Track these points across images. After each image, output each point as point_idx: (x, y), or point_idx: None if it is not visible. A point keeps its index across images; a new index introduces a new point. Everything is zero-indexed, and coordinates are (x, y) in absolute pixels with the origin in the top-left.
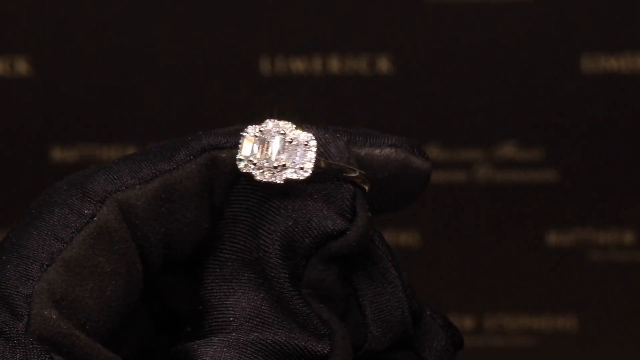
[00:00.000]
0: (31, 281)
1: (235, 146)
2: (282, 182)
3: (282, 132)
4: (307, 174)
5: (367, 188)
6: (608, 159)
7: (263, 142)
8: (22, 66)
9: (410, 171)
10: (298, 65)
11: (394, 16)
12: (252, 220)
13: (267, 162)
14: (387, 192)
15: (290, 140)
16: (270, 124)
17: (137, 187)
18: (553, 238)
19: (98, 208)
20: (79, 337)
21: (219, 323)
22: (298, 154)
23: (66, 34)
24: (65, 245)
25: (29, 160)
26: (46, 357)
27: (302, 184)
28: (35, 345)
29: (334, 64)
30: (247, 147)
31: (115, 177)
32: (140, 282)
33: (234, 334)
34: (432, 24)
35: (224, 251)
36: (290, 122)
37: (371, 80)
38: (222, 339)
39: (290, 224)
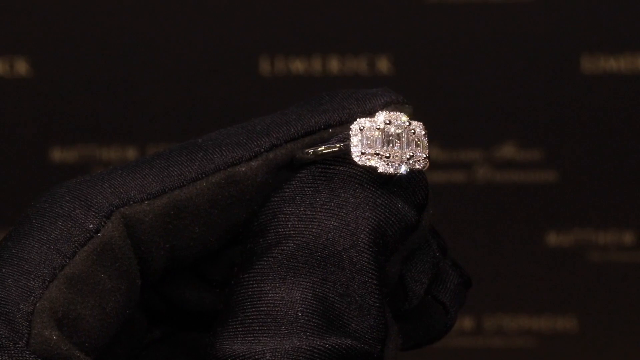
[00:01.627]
0: (32, 297)
1: (252, 158)
2: (405, 173)
3: (405, 124)
4: (428, 163)
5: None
6: (608, 159)
7: (387, 135)
8: (22, 66)
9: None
10: (297, 65)
11: (394, 16)
12: (337, 215)
13: (394, 154)
14: None
15: (412, 130)
16: (385, 115)
17: (145, 202)
18: (553, 238)
19: (103, 223)
20: (79, 357)
21: (288, 318)
22: (420, 144)
23: (66, 34)
24: (67, 260)
25: (29, 160)
26: None
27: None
28: None
29: (334, 64)
30: (364, 141)
31: (121, 190)
32: (137, 296)
33: (307, 340)
34: (432, 24)
35: (294, 245)
36: (401, 113)
37: (371, 81)
38: (293, 344)
39: (382, 218)
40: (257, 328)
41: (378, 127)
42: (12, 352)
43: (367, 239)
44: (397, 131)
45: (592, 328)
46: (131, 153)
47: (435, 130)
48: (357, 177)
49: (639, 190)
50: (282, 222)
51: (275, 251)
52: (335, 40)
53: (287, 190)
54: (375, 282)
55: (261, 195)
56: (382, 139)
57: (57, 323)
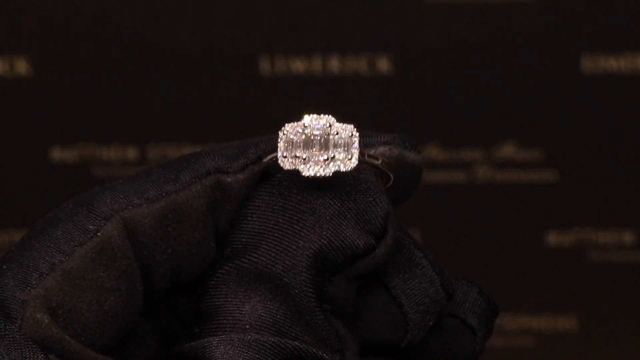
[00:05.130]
0: (29, 288)
1: (240, 171)
2: (331, 174)
3: (327, 125)
4: (354, 164)
5: (392, 176)
6: (608, 159)
7: (308, 137)
8: (22, 66)
9: (405, 166)
10: (298, 65)
11: (394, 16)
12: (282, 237)
13: (314, 156)
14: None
15: (336, 132)
16: (309, 119)
17: (144, 206)
18: (553, 238)
19: (102, 224)
20: (70, 342)
21: (235, 328)
22: (345, 145)
23: (66, 34)
24: (66, 257)
25: (29, 160)
26: (41, 356)
27: (336, 203)
28: (31, 344)
29: (334, 64)
30: (289, 145)
31: (121, 196)
32: (140, 302)
33: (251, 335)
34: (432, 24)
35: (244, 261)
36: (329, 115)
37: (371, 80)
38: (241, 337)
39: (324, 242)
40: (211, 336)
41: (299, 130)
42: (3, 333)
43: (305, 262)
44: (317, 133)
45: (592, 328)
46: (131, 153)
47: (435, 130)
48: (309, 201)
49: (639, 190)
50: (237, 241)
51: (229, 265)
52: (335, 40)
53: (250, 206)
54: (314, 303)
55: (240, 206)
56: (302, 142)
57: (51, 311)
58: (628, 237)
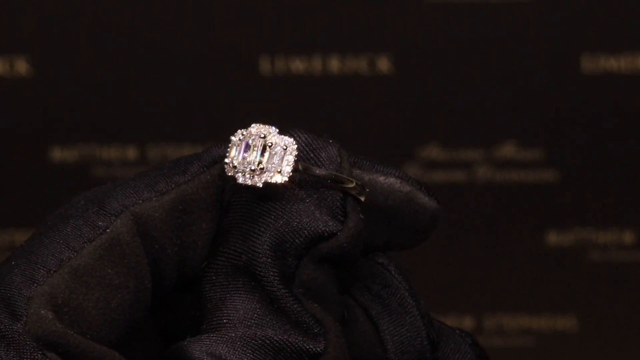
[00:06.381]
0: (35, 285)
1: None
2: (262, 185)
3: (262, 135)
4: (285, 178)
5: (363, 199)
6: (608, 159)
7: (246, 146)
8: (22, 66)
9: (415, 206)
10: (298, 65)
11: (394, 16)
12: (244, 225)
13: (246, 165)
14: (391, 224)
15: (270, 144)
16: (254, 128)
17: (154, 199)
18: (553, 238)
19: (112, 221)
20: (74, 336)
21: (213, 325)
22: (277, 157)
23: (66, 34)
24: (75, 253)
25: (29, 160)
26: (38, 354)
27: (293, 189)
28: (29, 343)
29: (334, 64)
30: (231, 151)
31: (132, 191)
32: (148, 299)
33: (222, 330)
34: (432, 24)
35: (219, 258)
36: (274, 127)
37: (371, 80)
38: (211, 335)
39: (280, 224)
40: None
41: (240, 138)
42: (4, 333)
43: (262, 246)
44: (251, 142)
45: (592, 328)
46: (131, 153)
47: (435, 130)
48: (257, 191)
49: (639, 190)
50: (216, 239)
51: (209, 265)
52: (335, 40)
53: (230, 205)
54: (280, 286)
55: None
56: (242, 149)
57: (56, 308)
58: (628, 237)
